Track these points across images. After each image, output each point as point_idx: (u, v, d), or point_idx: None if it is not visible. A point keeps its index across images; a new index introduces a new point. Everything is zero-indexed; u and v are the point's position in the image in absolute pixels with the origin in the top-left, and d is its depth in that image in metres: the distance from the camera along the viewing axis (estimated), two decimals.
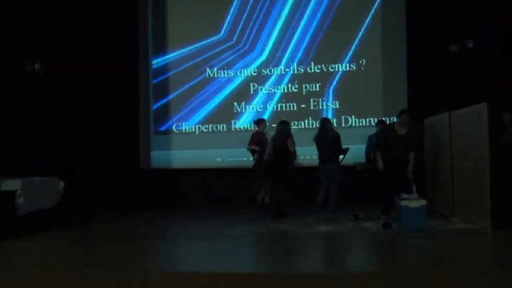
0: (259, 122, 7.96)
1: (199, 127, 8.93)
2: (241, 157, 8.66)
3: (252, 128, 8.28)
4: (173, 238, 5.96)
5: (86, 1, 8.70)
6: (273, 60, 8.88)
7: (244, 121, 8.87)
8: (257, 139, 7.76)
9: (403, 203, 5.80)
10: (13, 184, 6.13)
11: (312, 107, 8.71)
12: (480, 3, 7.83)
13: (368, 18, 8.59)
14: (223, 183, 8.65)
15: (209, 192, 8.70)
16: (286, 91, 8.83)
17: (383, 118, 8.06)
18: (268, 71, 8.87)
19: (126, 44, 8.66)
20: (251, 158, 7.95)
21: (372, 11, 8.60)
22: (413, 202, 5.79)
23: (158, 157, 9.01)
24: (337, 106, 8.64)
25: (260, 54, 8.90)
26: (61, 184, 7.08)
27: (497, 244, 5.16)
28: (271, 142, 7.17)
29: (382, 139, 6.42)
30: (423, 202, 5.81)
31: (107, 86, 8.52)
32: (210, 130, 8.92)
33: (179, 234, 6.27)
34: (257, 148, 7.67)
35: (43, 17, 8.51)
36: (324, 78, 8.71)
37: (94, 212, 7.89)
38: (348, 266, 4.44)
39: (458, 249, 4.78)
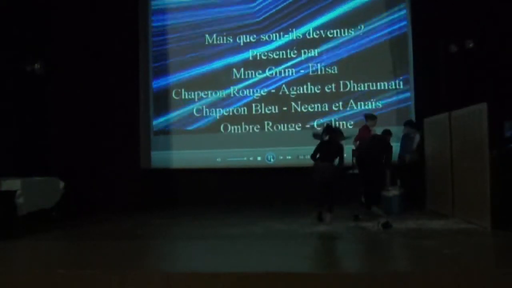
0: (368, 117, 7.38)
1: (198, 94, 8.95)
2: (241, 157, 8.66)
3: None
4: (173, 238, 5.96)
5: (85, 1, 8.70)
6: (271, 25, 8.88)
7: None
8: (363, 136, 7.16)
9: (383, 192, 6.88)
10: (13, 184, 6.12)
11: (311, 73, 8.76)
12: (480, 3, 7.83)
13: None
14: (223, 183, 8.65)
15: (209, 192, 8.70)
16: (284, 56, 8.85)
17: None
18: (267, 37, 8.89)
19: (126, 43, 8.65)
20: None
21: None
22: (390, 191, 6.95)
23: (158, 157, 9.01)
24: (336, 72, 8.70)
25: (259, 20, 8.90)
26: (61, 184, 7.07)
27: (497, 244, 5.16)
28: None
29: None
30: (397, 192, 6.98)
31: (107, 85, 8.51)
32: (210, 96, 8.96)
33: (179, 234, 6.26)
34: (356, 145, 7.27)
35: (43, 17, 8.51)
36: (322, 43, 8.76)
37: (94, 212, 7.89)
38: (348, 266, 4.44)
39: (458, 249, 4.77)
